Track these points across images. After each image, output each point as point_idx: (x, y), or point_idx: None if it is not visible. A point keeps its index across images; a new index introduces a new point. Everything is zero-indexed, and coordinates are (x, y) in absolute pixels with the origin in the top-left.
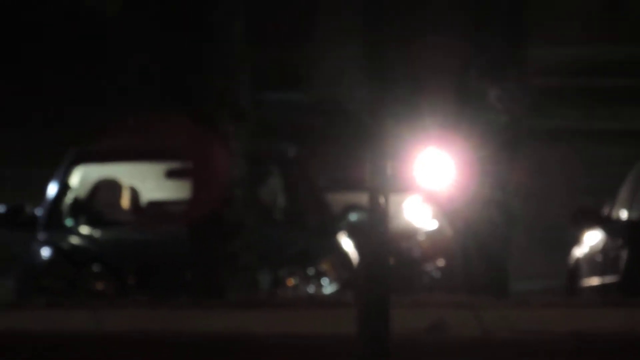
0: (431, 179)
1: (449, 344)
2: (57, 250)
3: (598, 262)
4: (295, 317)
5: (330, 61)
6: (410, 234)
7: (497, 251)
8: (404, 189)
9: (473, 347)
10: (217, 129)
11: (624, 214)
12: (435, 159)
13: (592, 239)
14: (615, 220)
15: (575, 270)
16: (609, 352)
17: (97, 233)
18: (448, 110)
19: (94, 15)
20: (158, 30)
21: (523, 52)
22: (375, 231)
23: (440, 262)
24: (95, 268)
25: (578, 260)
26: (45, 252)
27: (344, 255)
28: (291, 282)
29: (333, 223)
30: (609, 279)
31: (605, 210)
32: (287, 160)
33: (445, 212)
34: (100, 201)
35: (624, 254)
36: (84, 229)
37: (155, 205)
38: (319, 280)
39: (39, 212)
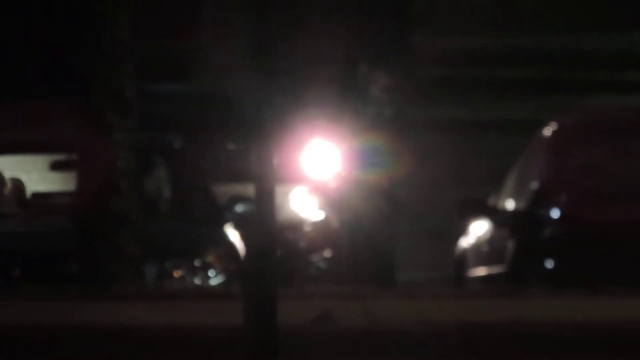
0: (317, 169)
1: (336, 334)
2: None
3: (484, 252)
4: (181, 309)
5: (218, 52)
6: (296, 225)
7: (384, 241)
8: (290, 179)
9: (360, 338)
10: (102, 120)
11: (510, 204)
12: (321, 150)
13: (478, 229)
14: (501, 210)
15: (462, 261)
16: (495, 343)
17: None
18: (334, 101)
19: None
20: (44, 19)
21: (409, 42)
22: (262, 222)
23: (327, 253)
24: None
25: (464, 250)
26: None
27: (230, 246)
28: (177, 273)
29: (219, 214)
30: (496, 269)
31: (492, 201)
32: (173, 152)
33: (332, 202)
34: None
35: (510, 244)
36: None
37: (40, 197)
38: (205, 271)
39: None
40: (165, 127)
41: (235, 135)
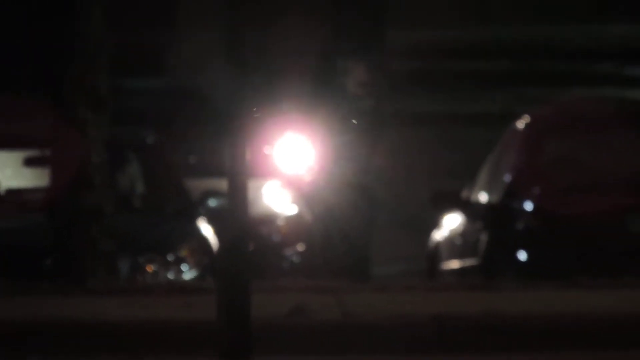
0: (290, 164)
1: (310, 327)
2: None
3: (458, 245)
4: (154, 304)
5: (191, 46)
6: (269, 219)
7: (358, 235)
8: (263, 174)
9: (334, 331)
10: (75, 116)
11: (483, 197)
12: (294, 144)
13: (451, 221)
14: (474, 203)
15: (435, 254)
16: (469, 336)
17: None
18: (308, 94)
19: None
20: (15, 14)
21: (383, 35)
22: (235, 217)
23: (300, 247)
24: None
25: (438, 243)
26: None
27: (203, 241)
28: (151, 268)
29: (192, 209)
30: (469, 262)
31: (465, 193)
32: (146, 147)
33: (305, 196)
34: None
35: (484, 237)
36: None
37: (13, 193)
38: (178, 266)
39: None
40: (138, 122)
41: (208, 129)
